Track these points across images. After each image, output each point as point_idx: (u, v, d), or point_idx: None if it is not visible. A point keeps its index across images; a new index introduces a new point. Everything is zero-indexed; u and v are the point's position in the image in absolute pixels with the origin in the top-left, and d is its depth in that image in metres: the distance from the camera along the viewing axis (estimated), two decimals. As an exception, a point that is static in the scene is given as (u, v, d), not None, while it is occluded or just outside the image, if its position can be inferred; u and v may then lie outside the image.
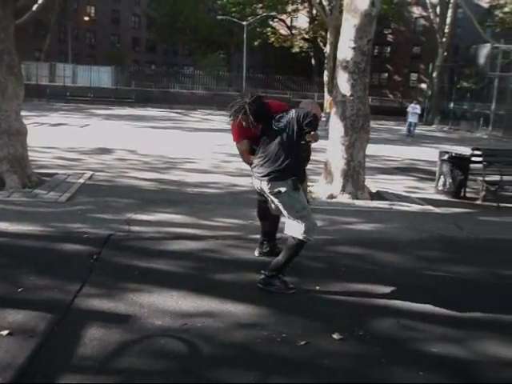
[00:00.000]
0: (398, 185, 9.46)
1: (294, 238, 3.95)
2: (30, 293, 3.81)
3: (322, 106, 31.06)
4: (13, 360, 2.88)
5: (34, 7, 13.06)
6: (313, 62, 50.41)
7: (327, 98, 28.44)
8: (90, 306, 3.66)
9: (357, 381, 2.92)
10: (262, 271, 4.11)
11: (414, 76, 51.55)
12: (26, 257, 4.58)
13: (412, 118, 21.44)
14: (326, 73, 31.76)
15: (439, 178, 8.81)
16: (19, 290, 3.84)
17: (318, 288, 4.17)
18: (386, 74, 54.05)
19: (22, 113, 7.75)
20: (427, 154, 14.16)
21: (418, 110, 21.91)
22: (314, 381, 2.89)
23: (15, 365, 2.84)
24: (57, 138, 13.65)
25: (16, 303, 3.61)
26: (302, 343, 3.29)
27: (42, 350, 3.02)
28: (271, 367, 3.00)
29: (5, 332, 3.17)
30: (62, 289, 3.90)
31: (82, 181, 8.06)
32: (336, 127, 7.85)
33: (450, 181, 8.57)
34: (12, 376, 2.74)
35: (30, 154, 7.87)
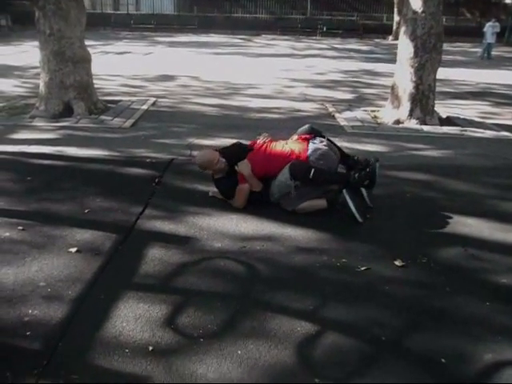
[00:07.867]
0: (471, 110, 8.88)
1: None
2: (96, 214, 3.95)
3: (391, 28, 29.43)
4: (81, 275, 3.03)
5: None
6: (383, -21, 47.18)
7: (396, 19, 26.79)
8: (152, 228, 3.75)
9: (419, 308, 2.85)
10: None
11: (495, -9, 47.18)
12: (92, 180, 4.73)
13: (491, 39, 19.80)
14: (396, -9, 29.66)
15: (518, 102, 8.17)
16: (86, 211, 3.99)
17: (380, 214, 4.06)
18: (464, -9, 49.82)
19: (89, 42, 7.79)
20: (506, 77, 13.14)
21: (498, 29, 20.13)
22: (375, 306, 2.85)
23: (83, 279, 2.98)
24: (121, 65, 13.75)
25: (83, 223, 3.76)
26: (363, 269, 3.23)
27: (107, 267, 3.14)
28: (330, 291, 2.97)
29: (73, 249, 3.33)
30: (126, 210, 4.01)
31: (145, 107, 8.13)
32: (405, 47, 7.34)
33: (530, 105, 7.94)
34: (81, 290, 2.88)
35: (95, 81, 7.98)
